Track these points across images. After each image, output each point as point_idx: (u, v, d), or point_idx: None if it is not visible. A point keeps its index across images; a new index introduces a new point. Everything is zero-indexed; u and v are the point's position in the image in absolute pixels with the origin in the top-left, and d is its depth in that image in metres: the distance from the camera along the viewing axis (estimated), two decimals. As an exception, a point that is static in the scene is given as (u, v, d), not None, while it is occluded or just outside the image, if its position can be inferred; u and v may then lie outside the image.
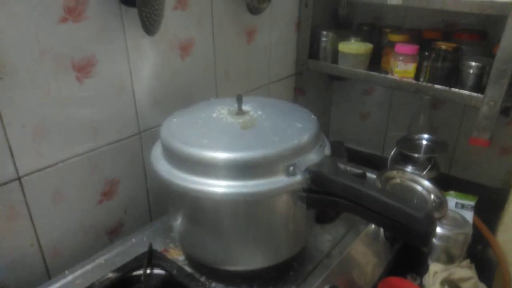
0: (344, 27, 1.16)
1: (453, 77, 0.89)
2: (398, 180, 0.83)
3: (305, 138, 0.54)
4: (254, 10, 0.81)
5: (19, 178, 0.58)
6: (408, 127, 1.08)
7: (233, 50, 0.88)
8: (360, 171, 0.89)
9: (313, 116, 0.62)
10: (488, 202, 0.91)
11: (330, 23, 1.16)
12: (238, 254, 0.58)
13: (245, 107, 0.62)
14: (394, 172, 0.83)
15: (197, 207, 0.55)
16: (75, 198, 0.66)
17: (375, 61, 1.03)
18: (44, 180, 0.61)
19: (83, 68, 0.61)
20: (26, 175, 0.58)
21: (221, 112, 0.61)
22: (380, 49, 1.03)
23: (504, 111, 1.02)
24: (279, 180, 0.51)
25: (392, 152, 1.00)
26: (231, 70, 0.90)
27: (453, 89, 0.86)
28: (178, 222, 0.60)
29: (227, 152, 0.51)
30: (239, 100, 0.59)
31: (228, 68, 0.89)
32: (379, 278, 0.72)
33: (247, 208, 0.53)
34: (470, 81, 0.86)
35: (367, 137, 1.30)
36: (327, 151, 0.59)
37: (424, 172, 0.94)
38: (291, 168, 0.52)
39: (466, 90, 0.85)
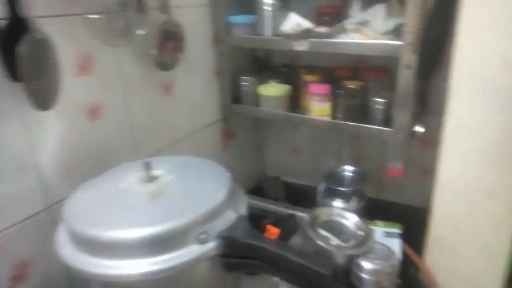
0: (264, 69, 1.20)
1: (364, 112, 0.95)
2: (325, 218, 0.85)
3: (216, 202, 0.54)
4: (164, 67, 0.81)
5: None
6: (334, 158, 1.13)
7: (150, 107, 0.87)
8: (290, 212, 0.90)
9: (227, 174, 0.62)
10: (417, 223, 0.95)
11: (250, 67, 1.20)
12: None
13: (157, 171, 0.60)
14: (320, 210, 0.85)
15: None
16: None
17: (297, 99, 1.07)
18: None
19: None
20: None
21: (130, 181, 0.58)
22: (299, 88, 1.08)
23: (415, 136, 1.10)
24: (192, 251, 0.50)
25: (321, 188, 1.03)
26: (151, 126, 0.88)
27: (364, 125, 0.91)
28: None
29: (131, 230, 0.48)
30: (147, 167, 0.58)
31: (147, 126, 0.87)
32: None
33: (165, 284, 0.51)
34: (379, 116, 0.92)
35: (301, 169, 1.33)
36: (243, 209, 0.58)
37: (351, 204, 0.97)
38: (203, 236, 0.50)
39: (377, 124, 0.91)
